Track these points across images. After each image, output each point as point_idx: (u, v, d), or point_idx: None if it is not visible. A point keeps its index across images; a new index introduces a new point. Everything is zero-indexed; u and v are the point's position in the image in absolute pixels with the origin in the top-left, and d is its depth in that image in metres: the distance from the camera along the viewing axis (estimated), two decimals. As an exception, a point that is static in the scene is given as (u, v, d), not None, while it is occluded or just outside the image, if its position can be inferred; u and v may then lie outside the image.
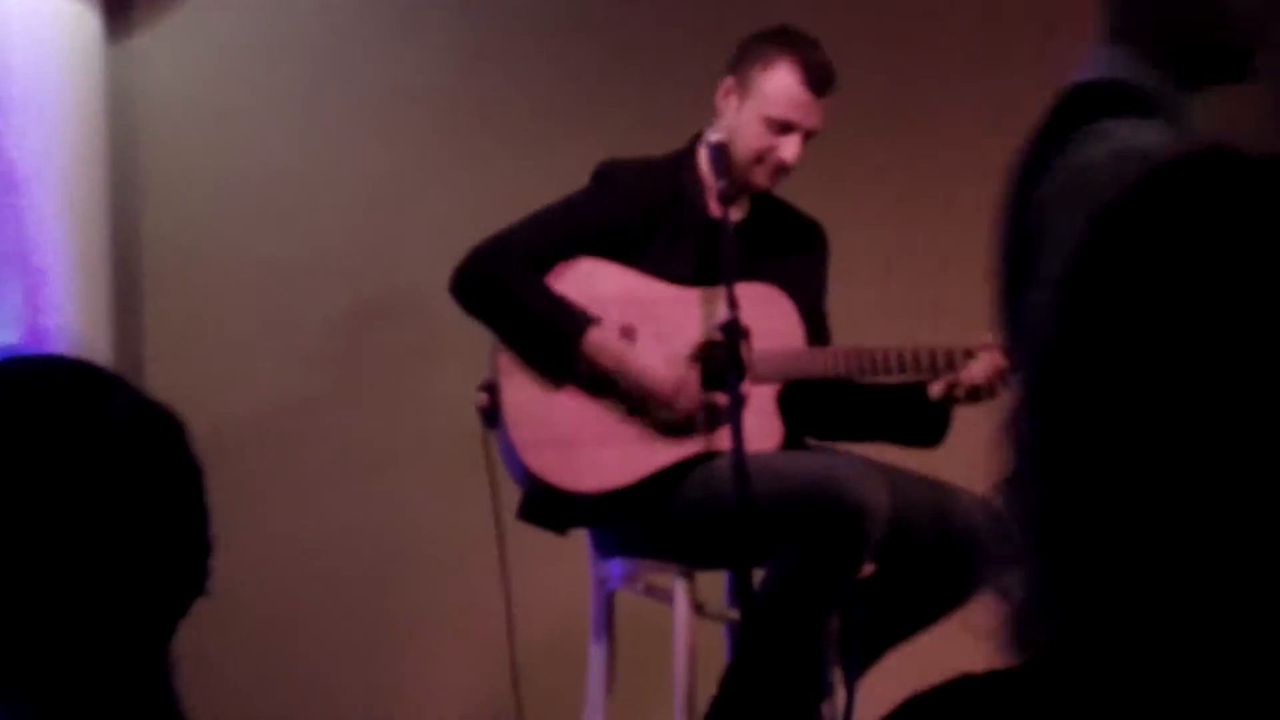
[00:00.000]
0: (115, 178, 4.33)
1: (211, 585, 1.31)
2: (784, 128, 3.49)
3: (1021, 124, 2.35)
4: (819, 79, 3.49)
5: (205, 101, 4.51)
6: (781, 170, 3.54)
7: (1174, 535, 0.91)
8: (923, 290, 4.61)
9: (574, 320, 3.41)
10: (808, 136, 3.53)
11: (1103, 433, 0.93)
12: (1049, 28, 4.53)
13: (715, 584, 3.61)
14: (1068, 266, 0.98)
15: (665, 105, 4.35)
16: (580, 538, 3.61)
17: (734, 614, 3.48)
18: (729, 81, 3.55)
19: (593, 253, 3.50)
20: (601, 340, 3.42)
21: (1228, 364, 0.91)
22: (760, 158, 3.51)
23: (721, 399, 3.41)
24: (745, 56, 3.55)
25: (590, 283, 3.46)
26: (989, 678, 1.00)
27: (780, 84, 3.49)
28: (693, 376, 3.45)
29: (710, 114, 3.59)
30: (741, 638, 3.27)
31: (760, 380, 3.49)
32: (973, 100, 4.74)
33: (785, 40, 3.53)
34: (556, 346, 3.43)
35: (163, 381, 4.21)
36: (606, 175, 3.56)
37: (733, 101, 3.53)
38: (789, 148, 3.49)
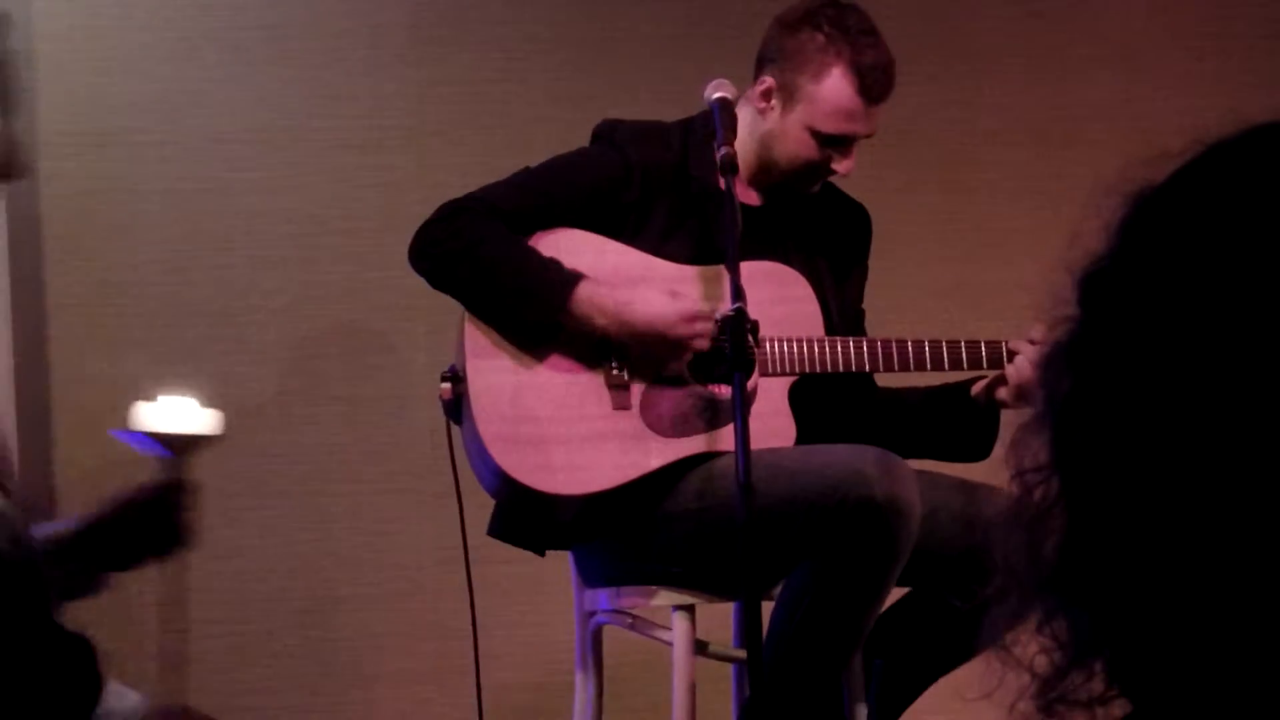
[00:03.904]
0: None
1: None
2: (836, 140, 3.24)
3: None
4: (878, 85, 3.23)
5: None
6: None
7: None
8: (966, 270, 4.40)
9: (560, 275, 3.15)
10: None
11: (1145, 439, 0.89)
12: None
13: (720, 618, 3.41)
14: (1104, 256, 0.94)
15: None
16: (561, 557, 3.38)
17: (742, 654, 3.22)
18: (768, 81, 3.28)
19: (579, 223, 3.25)
20: (592, 294, 3.15)
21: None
22: (808, 168, 3.28)
23: (724, 392, 3.15)
24: (788, 55, 3.26)
25: (570, 256, 3.20)
26: None
27: (833, 96, 3.22)
28: (703, 306, 3.17)
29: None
30: (753, 679, 2.96)
31: (770, 373, 3.23)
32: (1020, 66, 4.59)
33: (836, 35, 3.23)
34: (539, 306, 3.15)
35: (73, 398, 4.13)
36: (604, 135, 3.32)
37: (774, 104, 3.27)
38: (844, 162, 3.27)
